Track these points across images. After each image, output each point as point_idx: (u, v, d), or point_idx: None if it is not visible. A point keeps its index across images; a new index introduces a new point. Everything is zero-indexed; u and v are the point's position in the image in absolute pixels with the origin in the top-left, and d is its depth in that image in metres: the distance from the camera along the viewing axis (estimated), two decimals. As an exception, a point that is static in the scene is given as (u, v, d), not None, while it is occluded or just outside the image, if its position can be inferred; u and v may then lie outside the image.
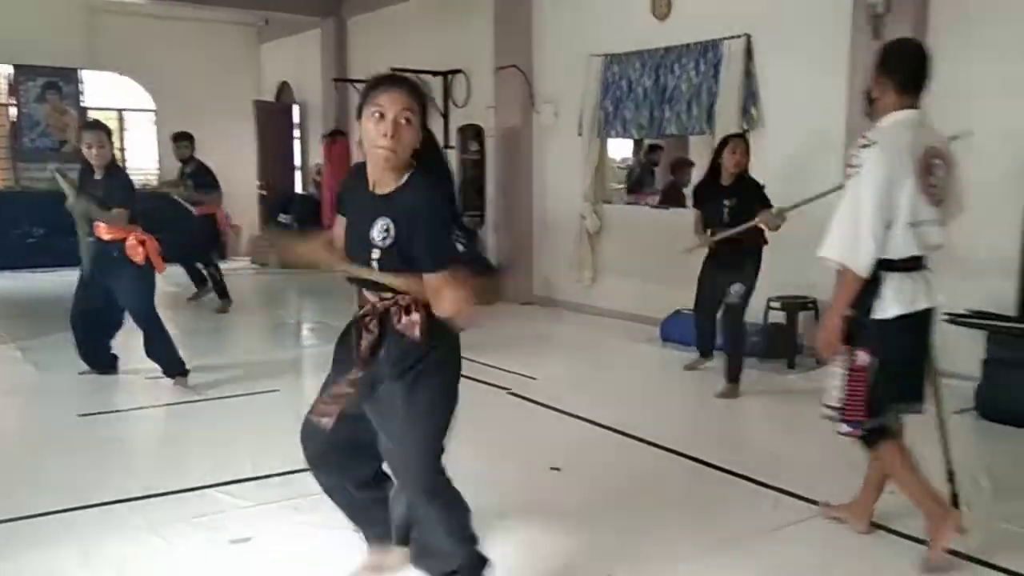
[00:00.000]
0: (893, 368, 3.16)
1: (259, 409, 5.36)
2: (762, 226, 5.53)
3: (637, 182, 10.09)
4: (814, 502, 3.78)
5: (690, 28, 7.44)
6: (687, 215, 8.41)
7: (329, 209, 11.73)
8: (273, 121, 13.75)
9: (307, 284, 11.02)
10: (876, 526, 3.55)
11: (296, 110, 14.04)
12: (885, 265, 3.09)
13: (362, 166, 2.57)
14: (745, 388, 5.67)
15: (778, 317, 6.46)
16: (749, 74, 7.01)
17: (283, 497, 3.85)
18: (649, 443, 4.56)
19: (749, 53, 7.00)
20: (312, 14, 12.63)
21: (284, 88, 14.42)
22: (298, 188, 13.97)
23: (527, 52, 9.18)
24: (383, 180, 2.48)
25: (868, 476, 3.54)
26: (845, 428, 3.22)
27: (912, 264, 3.15)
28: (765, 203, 5.55)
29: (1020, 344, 5.07)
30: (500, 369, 6.19)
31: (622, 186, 10.14)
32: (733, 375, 5.68)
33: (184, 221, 8.73)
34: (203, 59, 13.90)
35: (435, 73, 10.39)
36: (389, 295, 2.49)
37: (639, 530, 3.55)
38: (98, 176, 5.57)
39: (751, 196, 5.60)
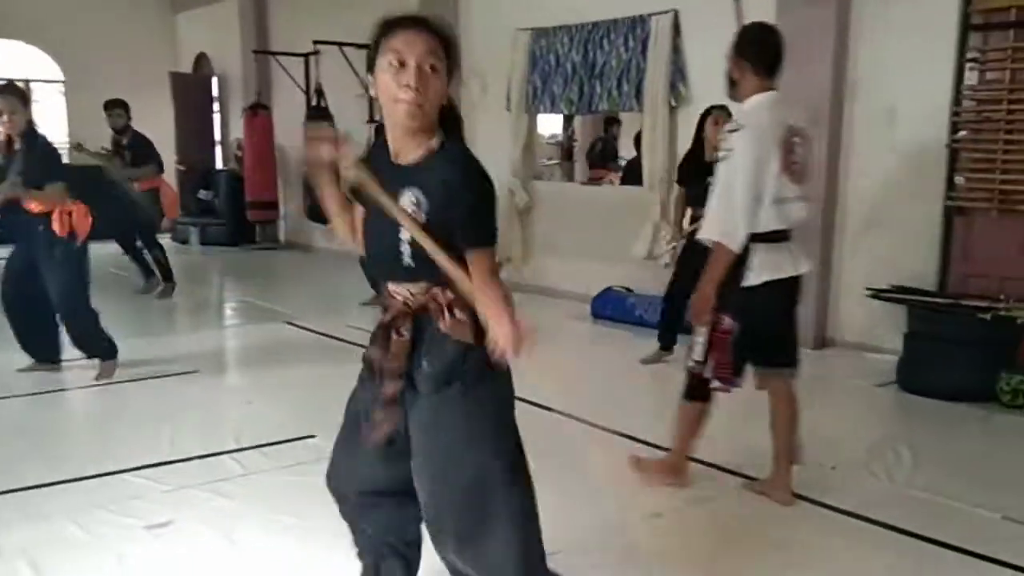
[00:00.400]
0: (756, 332, 3.41)
1: (178, 390, 5.26)
2: None
3: (600, 157, 10.08)
4: (739, 474, 3.88)
5: (618, 3, 7.46)
6: (618, 192, 8.50)
7: (252, 185, 11.54)
8: (191, 94, 13.42)
9: (231, 262, 10.85)
10: (798, 497, 3.65)
11: (215, 82, 13.72)
12: (752, 238, 3.32)
13: (382, 139, 2.15)
14: (673, 363, 5.75)
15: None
16: (677, 50, 7.07)
17: (203, 480, 3.80)
18: (578, 419, 4.60)
19: (677, 29, 7.06)
20: (230, -18, 12.34)
21: (202, 59, 14.08)
22: (219, 164, 13.70)
23: (453, 25, 9.11)
24: (406, 146, 2.05)
25: (776, 450, 3.67)
26: (717, 384, 3.50)
27: (777, 236, 3.37)
28: None
29: (940, 319, 5.24)
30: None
31: (553, 161, 10.16)
32: None
33: (120, 197, 8.17)
34: (115, 28, 13.46)
35: (359, 45, 10.23)
36: (422, 287, 2.05)
37: (567, 505, 3.59)
38: (17, 147, 5.10)
39: None
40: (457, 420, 2.07)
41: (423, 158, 2.03)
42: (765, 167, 3.28)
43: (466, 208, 1.96)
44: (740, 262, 3.33)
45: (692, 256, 5.55)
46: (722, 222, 3.31)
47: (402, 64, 1.96)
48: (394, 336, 2.09)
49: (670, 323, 5.86)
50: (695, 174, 5.50)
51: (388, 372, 2.11)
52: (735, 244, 3.29)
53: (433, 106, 2.00)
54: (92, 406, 5.04)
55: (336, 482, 2.36)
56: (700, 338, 3.47)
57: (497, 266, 2.05)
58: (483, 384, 2.08)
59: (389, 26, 2.01)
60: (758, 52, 3.43)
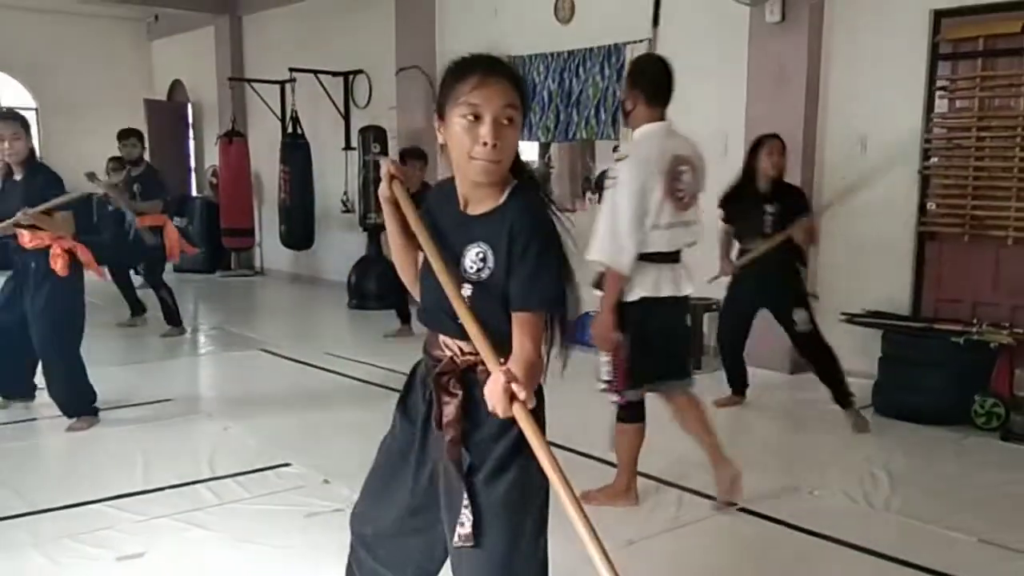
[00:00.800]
0: (642, 345, 3.60)
1: (152, 418, 5.21)
2: (797, 240, 5.07)
3: None
4: (713, 498, 3.87)
5: (593, 32, 7.54)
6: (594, 218, 8.53)
7: (227, 212, 11.49)
8: (166, 121, 13.41)
9: (206, 288, 10.78)
10: (776, 522, 3.66)
11: (190, 109, 13.71)
12: (636, 257, 3.55)
13: (447, 183, 2.01)
14: (744, 407, 5.62)
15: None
16: (652, 78, 7.12)
17: (177, 510, 3.76)
18: (551, 443, 4.58)
19: (652, 57, 7.12)
20: (205, 10, 12.34)
21: (177, 87, 14.07)
22: (193, 191, 13.65)
23: (430, 53, 9.16)
24: (477, 197, 1.92)
25: (708, 455, 3.83)
26: (615, 398, 3.68)
27: (660, 258, 3.58)
28: (806, 212, 5.16)
29: (914, 343, 5.29)
30: (404, 374, 6.14)
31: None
32: (846, 397, 5.09)
33: (122, 231, 7.81)
34: (88, 55, 13.44)
35: (335, 73, 10.29)
36: (470, 350, 1.89)
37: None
38: (17, 176, 4.85)
39: (795, 203, 5.17)
40: (489, 495, 1.92)
41: (494, 208, 1.90)
42: (649, 194, 3.48)
43: (519, 264, 1.84)
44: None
45: (742, 293, 5.36)
46: (610, 246, 3.49)
47: (477, 118, 1.82)
48: (445, 397, 1.93)
49: (732, 367, 5.58)
50: (746, 206, 5.20)
51: (447, 438, 1.93)
52: (623, 267, 3.49)
53: (509, 159, 1.88)
54: (62, 435, 4.96)
55: (359, 525, 2.20)
56: (604, 358, 3.66)
57: (541, 331, 1.88)
58: (515, 466, 1.92)
59: (466, 71, 1.87)
60: (649, 83, 3.62)
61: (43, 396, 5.29)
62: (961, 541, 3.50)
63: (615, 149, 3.66)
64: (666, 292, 3.60)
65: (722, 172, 6.52)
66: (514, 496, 1.92)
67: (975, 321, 5.21)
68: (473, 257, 1.88)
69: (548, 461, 1.73)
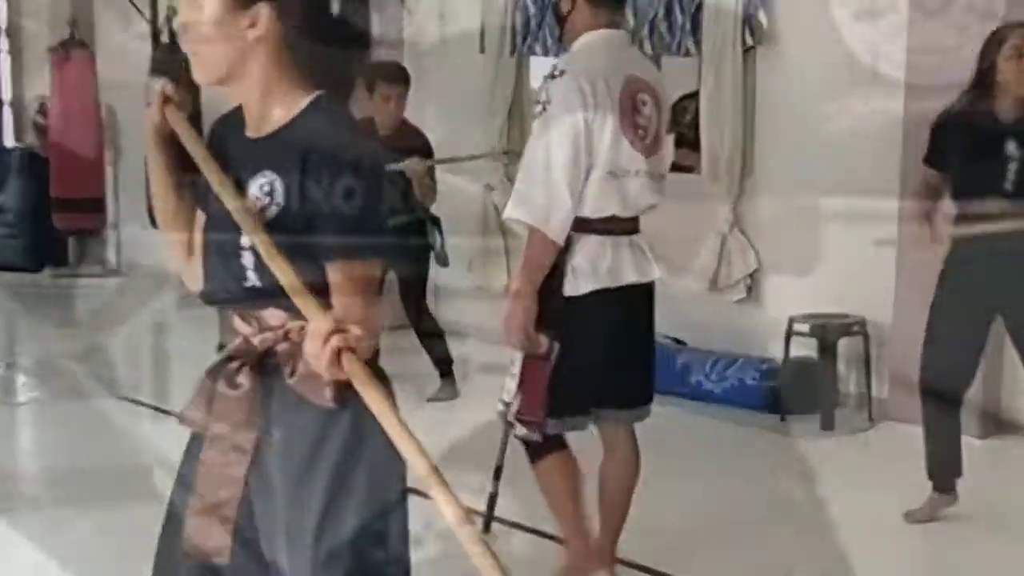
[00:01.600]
0: (584, 357, 3.83)
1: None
2: None
3: (675, 143, 10.11)
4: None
5: None
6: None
7: (62, 172, 11.44)
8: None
9: (28, 297, 10.76)
10: None
11: (3, 6, 13.70)
12: (576, 225, 3.78)
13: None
14: (754, 455, 5.62)
15: (806, 347, 6.56)
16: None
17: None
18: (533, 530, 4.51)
19: (755, -74, 7.09)
20: None
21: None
22: (7, 138, 13.62)
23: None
24: (258, 114, 2.30)
25: (600, 529, 4.19)
26: (522, 431, 3.91)
27: (613, 226, 3.85)
28: None
29: None
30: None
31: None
32: None
33: None
34: None
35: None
36: (277, 318, 2.24)
37: None
38: None
39: None
40: (311, 524, 2.22)
41: (282, 126, 2.27)
42: (596, 125, 3.73)
43: (327, 199, 2.15)
44: (559, 258, 3.80)
45: (967, 289, 4.97)
46: (536, 197, 3.75)
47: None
48: (223, 388, 2.27)
49: (946, 434, 5.12)
50: (973, 144, 4.88)
51: (219, 446, 2.29)
52: (554, 229, 3.72)
53: (218, 65, 2.26)
54: None
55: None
56: (514, 368, 3.87)
57: (372, 290, 2.23)
58: (347, 470, 2.22)
59: None
60: None
61: None
62: None
63: (553, 67, 3.93)
64: (628, 278, 3.88)
65: (861, 107, 6.52)
66: (339, 480, 2.21)
67: None
68: (256, 191, 2.21)
69: (394, 426, 1.96)
